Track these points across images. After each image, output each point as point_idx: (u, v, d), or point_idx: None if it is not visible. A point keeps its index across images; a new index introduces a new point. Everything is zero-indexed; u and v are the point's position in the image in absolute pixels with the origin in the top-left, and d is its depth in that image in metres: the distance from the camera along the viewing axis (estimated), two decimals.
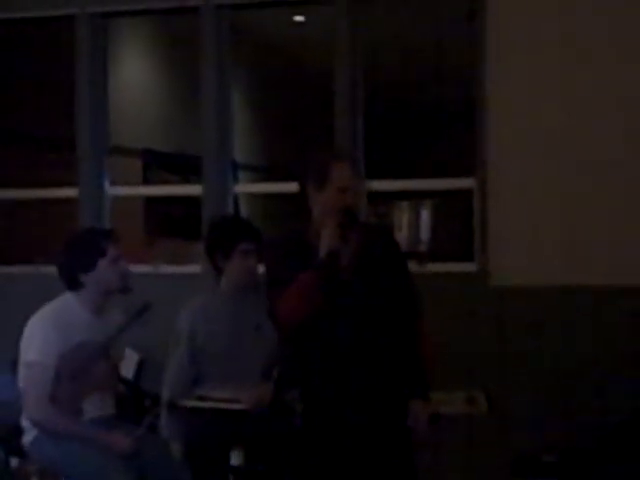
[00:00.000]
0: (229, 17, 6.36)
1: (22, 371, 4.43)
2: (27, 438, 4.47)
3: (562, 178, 5.67)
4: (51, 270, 4.60)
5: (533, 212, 5.69)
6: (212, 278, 4.78)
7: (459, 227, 7.83)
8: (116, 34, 7.15)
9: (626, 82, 5.60)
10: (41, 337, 4.38)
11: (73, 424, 4.39)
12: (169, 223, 8.52)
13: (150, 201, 8.26)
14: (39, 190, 6.82)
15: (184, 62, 7.56)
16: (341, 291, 3.84)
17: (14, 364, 4.56)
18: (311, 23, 8.04)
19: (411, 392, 3.90)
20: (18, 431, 4.53)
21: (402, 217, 10.73)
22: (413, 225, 10.59)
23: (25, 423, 4.47)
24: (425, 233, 10.58)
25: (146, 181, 8.39)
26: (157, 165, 8.56)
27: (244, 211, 8.20)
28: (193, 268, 6.25)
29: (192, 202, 6.60)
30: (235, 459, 4.27)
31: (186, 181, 7.99)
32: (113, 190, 6.63)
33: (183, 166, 8.11)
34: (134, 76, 8.45)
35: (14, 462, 4.83)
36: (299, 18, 8.21)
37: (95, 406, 4.48)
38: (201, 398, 4.33)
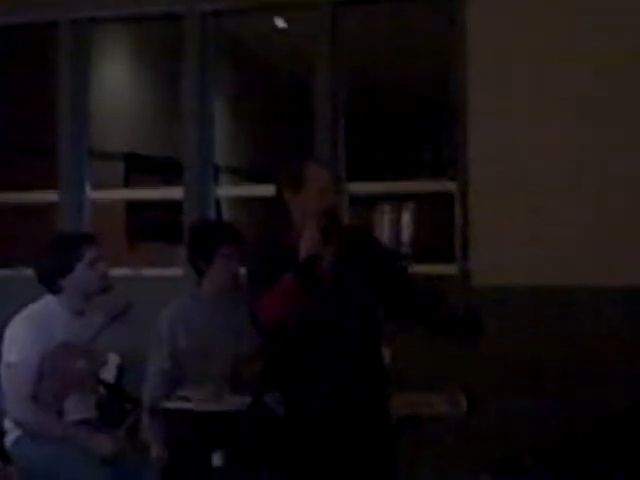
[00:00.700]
0: (212, 23, 6.38)
1: (3, 372, 4.45)
2: (9, 439, 4.48)
3: (543, 181, 5.70)
4: (32, 273, 4.62)
5: (514, 214, 5.72)
6: (194, 281, 4.80)
7: (440, 229, 7.85)
8: (99, 40, 7.15)
9: (612, 83, 5.63)
10: (21, 338, 4.41)
11: (55, 424, 4.41)
12: (151, 227, 8.52)
13: (132, 205, 8.26)
14: (19, 194, 6.81)
15: (166, 67, 7.56)
16: (322, 295, 3.86)
17: None
18: (293, 29, 8.06)
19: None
20: (0, 433, 4.54)
21: (383, 219, 10.76)
22: (394, 227, 10.62)
23: (7, 424, 4.49)
24: (406, 235, 10.62)
25: (128, 185, 8.38)
26: (139, 169, 8.56)
27: (227, 215, 8.21)
28: (175, 271, 6.25)
29: (174, 206, 6.60)
30: (216, 460, 4.28)
31: (168, 185, 7.99)
32: (94, 194, 6.63)
33: (165, 170, 8.10)
34: (116, 81, 8.45)
35: None
36: (282, 24, 8.23)
37: (76, 408, 4.49)
38: (183, 399, 4.33)
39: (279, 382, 4.01)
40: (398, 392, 4.18)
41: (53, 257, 4.54)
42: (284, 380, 3.99)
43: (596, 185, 5.60)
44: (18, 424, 4.43)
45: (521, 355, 5.64)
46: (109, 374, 5.53)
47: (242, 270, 4.49)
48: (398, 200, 10.65)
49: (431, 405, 4.31)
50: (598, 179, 5.60)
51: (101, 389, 4.69)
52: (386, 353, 4.16)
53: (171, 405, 4.34)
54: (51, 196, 6.61)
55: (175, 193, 6.55)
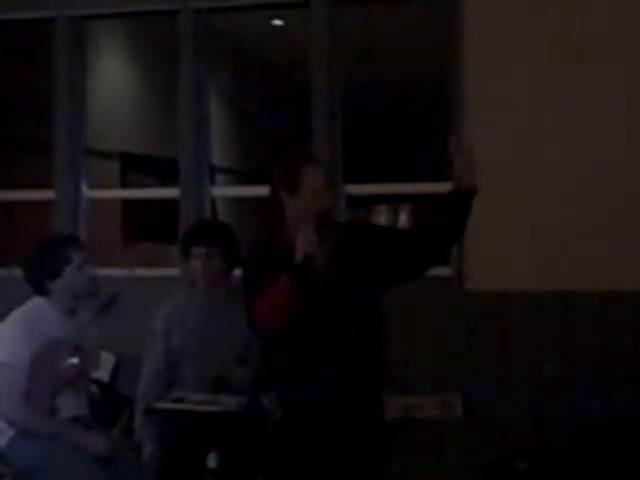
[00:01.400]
0: (207, 21, 6.37)
1: None
2: (2, 439, 4.47)
3: (539, 184, 5.69)
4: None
5: (509, 217, 5.71)
6: (189, 281, 4.80)
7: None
8: (95, 37, 7.14)
9: (609, 84, 5.62)
10: (11, 339, 4.42)
11: (48, 422, 4.41)
12: (147, 226, 8.51)
13: (128, 204, 8.25)
14: (15, 192, 6.80)
15: (162, 65, 7.55)
16: (316, 295, 3.85)
17: None
18: (290, 27, 8.05)
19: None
20: None
21: (380, 221, 10.75)
22: None
23: (0, 425, 4.48)
24: None
25: (124, 184, 8.37)
26: (135, 168, 8.55)
27: (225, 215, 8.21)
28: (171, 271, 6.24)
29: (170, 205, 6.59)
30: (211, 462, 4.27)
31: (164, 184, 7.98)
32: (90, 193, 6.61)
33: (161, 169, 8.10)
34: (112, 79, 8.44)
35: None
36: (278, 22, 8.22)
37: (68, 405, 4.49)
38: (177, 400, 4.32)
39: (275, 383, 3.99)
40: (393, 394, 4.17)
41: (41, 260, 4.54)
42: (280, 381, 3.98)
43: (597, 189, 5.59)
44: (11, 423, 4.42)
45: (514, 358, 5.64)
46: (104, 373, 5.55)
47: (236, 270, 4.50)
48: (395, 202, 10.63)
49: (425, 408, 4.30)
50: (599, 182, 5.60)
51: (94, 388, 4.68)
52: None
53: (166, 405, 4.32)
54: (47, 195, 6.59)
55: (171, 193, 6.54)
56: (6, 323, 4.49)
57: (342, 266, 3.89)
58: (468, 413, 4.62)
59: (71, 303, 4.58)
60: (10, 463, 4.44)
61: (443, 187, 5.91)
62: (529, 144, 5.70)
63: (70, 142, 6.53)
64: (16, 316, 4.50)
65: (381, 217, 10.96)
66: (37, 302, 4.56)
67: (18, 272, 4.72)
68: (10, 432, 4.44)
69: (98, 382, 4.97)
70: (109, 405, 4.78)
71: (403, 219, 10.93)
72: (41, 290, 4.55)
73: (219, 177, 8.53)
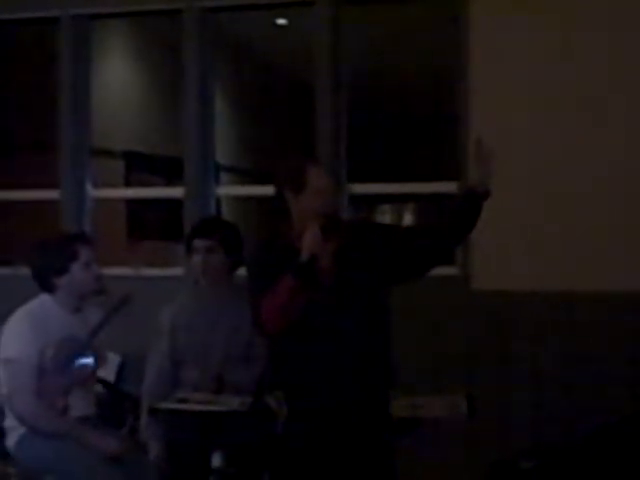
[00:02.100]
0: (212, 20, 6.37)
1: (3, 370, 4.45)
2: (11, 439, 4.49)
3: (544, 182, 5.68)
4: (29, 272, 4.63)
5: (514, 216, 5.70)
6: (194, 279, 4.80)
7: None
8: (99, 36, 7.14)
9: (613, 82, 5.62)
10: (19, 335, 4.43)
11: (60, 421, 4.43)
12: (151, 225, 8.51)
13: (132, 203, 8.25)
14: (20, 192, 6.80)
15: (166, 64, 7.55)
16: (323, 295, 3.85)
17: None
18: (294, 26, 8.05)
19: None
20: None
21: (384, 220, 10.75)
22: None
23: (8, 423, 4.49)
24: None
25: (128, 183, 8.38)
26: (140, 167, 8.55)
27: (230, 214, 8.21)
28: (175, 270, 6.25)
29: (174, 204, 6.59)
30: (215, 461, 4.28)
31: (168, 183, 7.99)
32: (95, 192, 6.62)
33: (166, 168, 8.10)
34: (117, 78, 8.44)
35: None
36: (282, 21, 8.22)
37: (78, 405, 4.51)
38: (181, 400, 4.33)
39: (281, 383, 4.00)
40: (399, 393, 4.16)
41: (48, 256, 4.56)
42: (286, 381, 3.98)
43: (599, 188, 5.59)
44: (21, 421, 4.43)
45: (519, 357, 5.64)
46: (109, 373, 5.56)
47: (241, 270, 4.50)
48: (399, 201, 10.63)
49: (431, 408, 4.29)
50: (601, 182, 5.59)
51: (100, 387, 4.69)
52: None
53: (170, 405, 4.33)
54: (52, 194, 6.60)
55: (176, 192, 6.54)
56: (12, 320, 4.50)
57: (347, 265, 3.89)
58: (472, 413, 4.61)
59: (76, 301, 4.59)
60: (16, 463, 4.45)
61: (447, 187, 5.97)
62: (533, 144, 5.70)
63: (75, 141, 6.53)
64: (22, 313, 4.51)
65: (385, 216, 10.96)
66: (43, 299, 4.57)
67: (23, 270, 4.74)
68: (19, 430, 4.46)
69: (104, 382, 4.98)
70: (114, 405, 4.79)
71: (407, 218, 10.92)
72: (47, 287, 4.55)
73: (224, 176, 8.53)
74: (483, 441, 5.48)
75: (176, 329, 4.67)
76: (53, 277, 4.53)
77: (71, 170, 6.52)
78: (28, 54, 7.33)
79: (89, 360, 4.52)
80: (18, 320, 4.49)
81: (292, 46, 7.87)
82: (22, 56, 7.29)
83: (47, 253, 4.57)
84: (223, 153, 7.83)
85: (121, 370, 5.90)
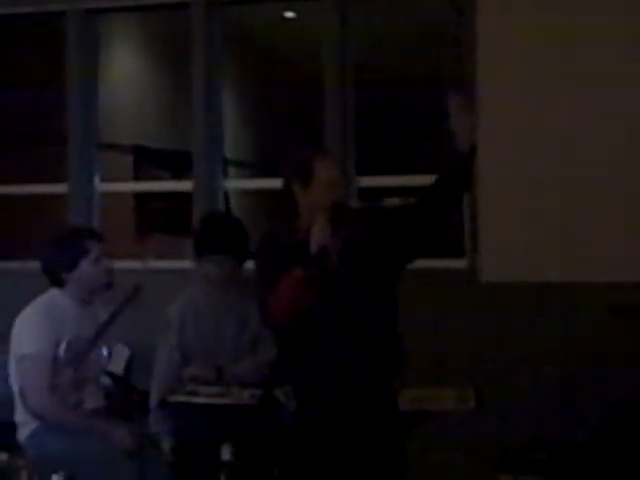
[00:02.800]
0: (220, 13, 6.37)
1: (17, 366, 4.46)
2: (23, 432, 4.50)
3: (552, 175, 5.67)
4: (38, 266, 4.64)
5: (523, 208, 5.69)
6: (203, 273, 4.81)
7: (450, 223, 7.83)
8: (107, 30, 7.14)
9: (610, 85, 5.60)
10: (33, 330, 4.44)
11: (76, 415, 4.44)
12: (160, 219, 8.52)
13: (141, 197, 8.26)
14: (28, 186, 6.81)
15: (175, 58, 7.55)
16: (331, 286, 3.85)
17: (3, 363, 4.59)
18: (301, 19, 8.04)
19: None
20: (6, 427, 4.55)
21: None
22: None
23: (20, 418, 4.50)
24: None
25: (137, 177, 8.39)
26: (148, 161, 8.56)
27: (238, 206, 8.21)
28: (184, 263, 6.24)
29: (183, 198, 6.60)
30: (225, 454, 4.28)
31: (177, 177, 7.99)
32: (103, 186, 6.62)
33: (174, 162, 8.11)
34: (125, 72, 8.45)
35: (3, 457, 4.84)
36: (289, 14, 8.21)
37: (88, 398, 4.52)
38: (190, 393, 4.33)
39: (290, 376, 4.00)
40: (406, 386, 4.17)
41: (58, 251, 4.57)
42: (295, 373, 3.98)
43: (602, 183, 5.57)
44: (37, 416, 4.43)
45: (530, 350, 5.64)
46: (118, 366, 5.57)
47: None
48: (408, 194, 10.60)
49: (440, 400, 4.30)
50: (603, 178, 5.57)
51: (108, 380, 4.70)
52: None
53: (180, 398, 4.33)
54: (60, 188, 6.60)
55: (184, 185, 6.54)
56: (25, 315, 4.51)
57: (357, 257, 3.89)
58: (480, 405, 4.62)
59: (86, 295, 4.60)
60: (27, 456, 4.46)
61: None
62: (540, 140, 5.68)
63: (83, 135, 6.54)
64: (34, 308, 4.52)
65: None
66: (52, 294, 4.58)
67: (31, 265, 4.74)
68: (32, 424, 4.47)
69: (112, 375, 4.99)
70: (123, 398, 4.80)
71: None
72: (57, 282, 4.56)
73: (232, 169, 8.53)
74: (485, 432, 5.48)
75: (185, 322, 4.68)
76: (63, 272, 4.54)
77: (80, 164, 6.53)
78: (36, 48, 7.33)
79: (101, 353, 4.54)
80: (31, 315, 4.50)
81: (300, 39, 7.86)
82: (30, 50, 7.29)
83: (57, 248, 4.58)
84: (231, 147, 7.83)
85: (130, 363, 5.91)
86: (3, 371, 4.62)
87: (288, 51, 9.25)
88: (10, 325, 4.54)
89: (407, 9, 7.14)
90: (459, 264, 5.84)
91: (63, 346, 4.42)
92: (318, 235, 3.79)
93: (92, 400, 4.55)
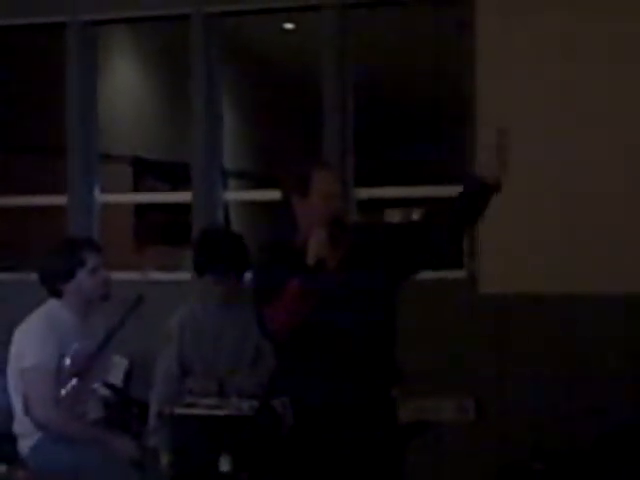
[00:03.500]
0: (219, 25, 6.38)
1: (20, 377, 4.45)
2: (26, 443, 4.50)
3: (549, 188, 5.68)
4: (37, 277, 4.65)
5: (522, 220, 5.70)
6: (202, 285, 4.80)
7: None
8: (106, 42, 7.16)
9: (622, 84, 5.61)
10: (37, 341, 4.45)
11: (81, 426, 4.46)
12: (159, 230, 8.53)
13: (140, 208, 8.27)
14: (28, 197, 6.82)
15: (174, 70, 7.57)
16: (329, 298, 3.84)
17: (2, 372, 4.58)
18: (301, 31, 8.06)
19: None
20: (5, 438, 4.54)
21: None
22: None
23: (21, 429, 4.50)
24: None
25: (136, 189, 8.40)
26: (147, 173, 8.57)
27: (237, 218, 8.22)
28: (183, 275, 6.25)
29: (182, 209, 6.60)
30: (223, 466, 4.27)
31: (176, 189, 8.00)
32: (103, 197, 6.63)
33: (173, 174, 8.12)
34: (124, 84, 8.46)
35: (2, 469, 4.85)
36: (289, 25, 8.23)
37: (89, 409, 4.53)
38: (189, 405, 4.33)
39: (288, 386, 3.99)
40: (406, 396, 4.16)
41: (55, 262, 4.58)
42: (292, 384, 3.98)
43: (601, 192, 5.58)
44: (42, 427, 4.43)
45: (529, 360, 5.64)
46: (117, 377, 5.57)
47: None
48: (407, 205, 10.61)
49: (439, 411, 4.30)
50: (603, 186, 5.58)
51: (107, 392, 4.70)
52: None
53: (178, 410, 4.33)
54: (60, 199, 6.61)
55: (183, 197, 6.55)
56: (28, 326, 4.53)
57: (355, 269, 3.89)
58: (480, 416, 4.62)
59: (83, 306, 4.61)
60: (30, 467, 4.46)
61: (455, 190, 5.94)
62: (540, 149, 5.69)
63: (83, 147, 6.54)
64: (36, 319, 4.54)
65: (394, 221, 10.94)
66: (52, 304, 4.59)
67: (32, 276, 4.75)
68: (36, 435, 4.47)
69: (111, 386, 4.98)
70: (122, 409, 4.79)
71: None
72: (55, 292, 4.58)
73: (231, 181, 8.54)
74: (485, 443, 5.48)
75: (185, 335, 4.67)
76: (60, 283, 4.55)
77: (79, 175, 6.53)
78: (36, 60, 7.35)
79: (106, 363, 4.56)
80: (33, 326, 4.52)
81: (299, 50, 7.88)
82: (30, 62, 7.30)
83: (54, 259, 4.60)
84: (230, 158, 7.84)
85: (129, 374, 5.90)
86: (2, 380, 4.63)
87: (287, 62, 9.28)
88: (9, 335, 4.55)
89: (406, 20, 7.16)
90: (458, 275, 5.85)
91: (68, 357, 4.43)
92: (315, 247, 3.78)
93: (93, 411, 4.56)
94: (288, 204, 3.95)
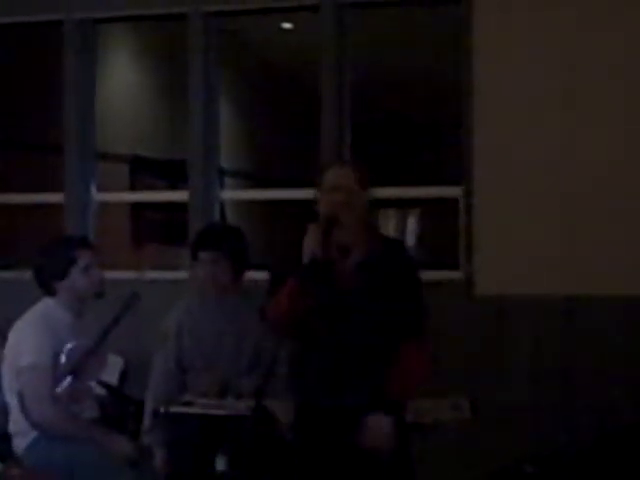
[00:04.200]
0: (217, 24, 6.38)
1: (16, 376, 4.45)
2: (21, 442, 4.49)
3: (547, 189, 5.68)
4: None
5: (517, 221, 5.70)
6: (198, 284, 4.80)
7: (445, 235, 7.85)
8: (104, 40, 7.15)
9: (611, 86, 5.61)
10: (33, 339, 4.45)
11: (78, 424, 4.46)
12: (156, 229, 8.52)
13: (137, 207, 8.26)
14: (25, 195, 6.81)
15: (172, 68, 7.56)
16: (339, 298, 3.84)
17: None
18: (299, 30, 8.06)
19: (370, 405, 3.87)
20: (0, 437, 4.54)
21: (389, 224, 10.74)
22: (399, 233, 10.61)
23: (17, 428, 4.50)
24: (411, 241, 10.60)
25: (133, 187, 8.39)
26: (144, 171, 8.56)
27: (233, 217, 8.21)
28: (180, 274, 6.25)
29: (179, 208, 6.60)
30: (219, 465, 4.27)
31: (173, 187, 8.00)
32: (100, 196, 6.63)
33: (170, 172, 8.11)
34: (122, 82, 8.45)
35: None
36: (287, 25, 8.22)
37: (85, 408, 4.52)
38: (186, 404, 4.33)
39: (296, 386, 4.01)
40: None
41: (49, 260, 4.59)
42: (293, 383, 3.99)
43: (600, 193, 5.58)
44: (38, 426, 4.43)
45: (524, 362, 5.64)
46: (112, 376, 5.56)
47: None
48: (403, 206, 10.62)
49: (436, 411, 4.29)
50: (602, 187, 5.59)
51: (103, 390, 4.70)
52: None
53: (175, 409, 4.33)
54: (56, 197, 6.60)
55: (180, 196, 6.54)
56: (22, 326, 4.53)
57: (372, 279, 3.87)
58: (475, 415, 4.61)
59: (78, 304, 4.62)
60: (26, 466, 4.45)
61: (451, 191, 5.97)
62: (536, 150, 5.69)
63: (80, 145, 6.54)
64: (34, 317, 4.54)
65: (389, 221, 10.94)
66: (47, 303, 4.60)
67: (26, 275, 4.75)
68: (32, 434, 4.46)
69: (107, 385, 4.98)
70: (117, 408, 4.79)
71: (411, 223, 10.91)
72: (49, 291, 4.58)
73: (228, 180, 8.54)
74: (483, 443, 5.48)
75: (182, 333, 4.66)
76: (54, 281, 4.56)
77: (76, 174, 6.53)
78: (33, 58, 7.34)
79: (102, 362, 4.55)
80: (28, 325, 4.52)
81: (297, 50, 7.88)
82: (27, 60, 7.30)
83: (48, 257, 4.60)
84: (227, 157, 7.83)
85: (124, 373, 5.90)
86: None
87: (286, 62, 9.27)
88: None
89: (406, 19, 7.16)
90: (454, 276, 5.85)
91: (63, 355, 4.43)
92: (309, 244, 3.79)
93: (88, 410, 4.56)
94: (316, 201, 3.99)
